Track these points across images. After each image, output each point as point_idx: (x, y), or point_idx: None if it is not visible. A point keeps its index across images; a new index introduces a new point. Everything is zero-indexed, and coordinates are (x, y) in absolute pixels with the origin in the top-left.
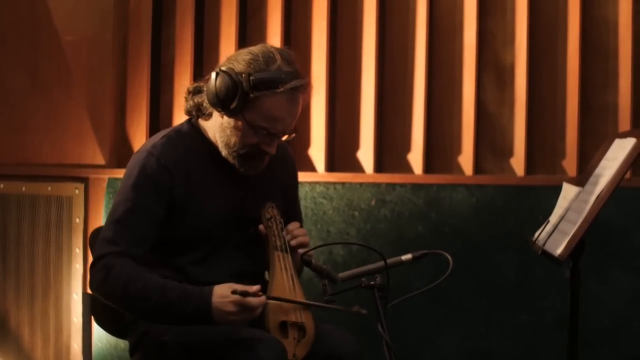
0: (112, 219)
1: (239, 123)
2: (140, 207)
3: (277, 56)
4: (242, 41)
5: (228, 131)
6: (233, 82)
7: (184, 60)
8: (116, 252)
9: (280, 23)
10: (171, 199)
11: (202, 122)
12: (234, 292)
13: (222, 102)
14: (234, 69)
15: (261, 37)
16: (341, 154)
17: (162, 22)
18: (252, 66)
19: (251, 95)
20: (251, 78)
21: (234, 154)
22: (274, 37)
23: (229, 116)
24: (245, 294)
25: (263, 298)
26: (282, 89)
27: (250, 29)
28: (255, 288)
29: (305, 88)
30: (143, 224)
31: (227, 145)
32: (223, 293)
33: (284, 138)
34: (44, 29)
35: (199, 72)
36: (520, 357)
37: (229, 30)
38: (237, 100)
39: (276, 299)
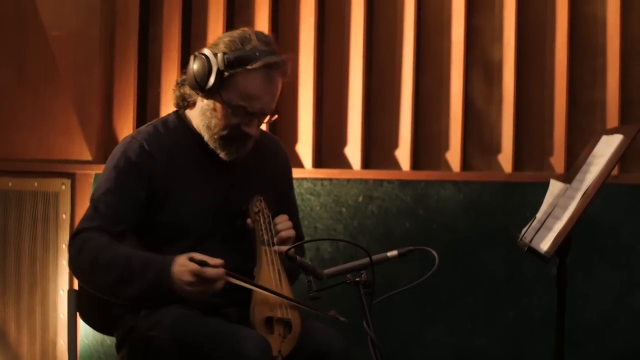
0: (93, 198)
1: (218, 104)
2: (121, 187)
3: (253, 37)
4: None
5: (208, 113)
6: (208, 62)
7: (171, 56)
8: (93, 227)
9: (268, 19)
10: (153, 184)
11: (188, 113)
12: (191, 259)
13: (199, 84)
14: (211, 51)
15: None
16: (328, 150)
17: (149, 17)
18: (228, 46)
19: (226, 73)
20: (226, 57)
21: (215, 136)
22: None
23: (208, 98)
24: (203, 263)
25: (221, 271)
26: (256, 66)
27: (237, 26)
28: (217, 261)
29: (280, 66)
30: (122, 203)
31: (208, 128)
32: (183, 262)
33: (266, 120)
34: (30, 25)
35: (186, 68)
36: (507, 353)
37: (216, 27)
38: (214, 80)
39: (236, 277)
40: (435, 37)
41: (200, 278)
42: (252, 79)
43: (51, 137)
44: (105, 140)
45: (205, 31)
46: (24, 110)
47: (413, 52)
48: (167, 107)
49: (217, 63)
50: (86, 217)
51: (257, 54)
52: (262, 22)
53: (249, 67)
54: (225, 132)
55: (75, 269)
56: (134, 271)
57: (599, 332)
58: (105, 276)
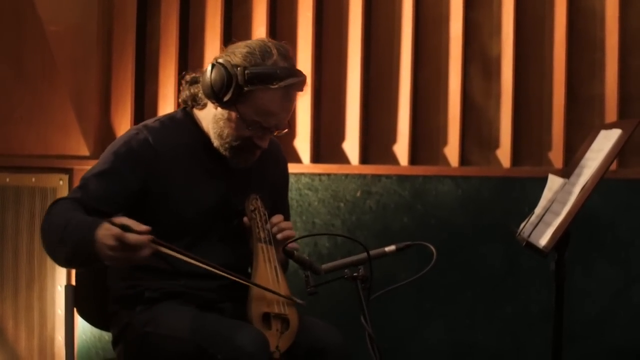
0: (85, 177)
1: (233, 115)
2: (114, 173)
3: (274, 51)
4: (227, 32)
5: (221, 123)
6: (228, 75)
7: (169, 51)
8: (71, 198)
9: (266, 14)
10: (150, 180)
11: (197, 112)
12: (112, 223)
13: (216, 94)
14: (230, 62)
15: (246, 28)
16: (327, 145)
17: (147, 12)
18: (248, 60)
19: (245, 89)
20: (246, 72)
21: (226, 145)
22: (259, 28)
23: (223, 108)
24: (125, 228)
25: (143, 237)
26: (276, 86)
27: (235, 20)
28: (142, 227)
29: (300, 85)
30: (111, 188)
31: (219, 136)
32: (107, 226)
33: (276, 133)
34: (28, 19)
35: (184, 63)
36: (505, 349)
37: (213, 22)
38: (231, 93)
39: (165, 245)
40: (434, 31)
41: (122, 243)
42: (271, 97)
43: (49, 133)
44: (102, 136)
45: (203, 26)
46: (21, 106)
47: (411, 47)
48: (165, 103)
49: (237, 77)
50: (71, 191)
51: (278, 71)
52: (259, 17)
53: (269, 85)
54: (237, 143)
55: (41, 231)
56: (69, 233)
57: (598, 327)
58: (51, 237)
